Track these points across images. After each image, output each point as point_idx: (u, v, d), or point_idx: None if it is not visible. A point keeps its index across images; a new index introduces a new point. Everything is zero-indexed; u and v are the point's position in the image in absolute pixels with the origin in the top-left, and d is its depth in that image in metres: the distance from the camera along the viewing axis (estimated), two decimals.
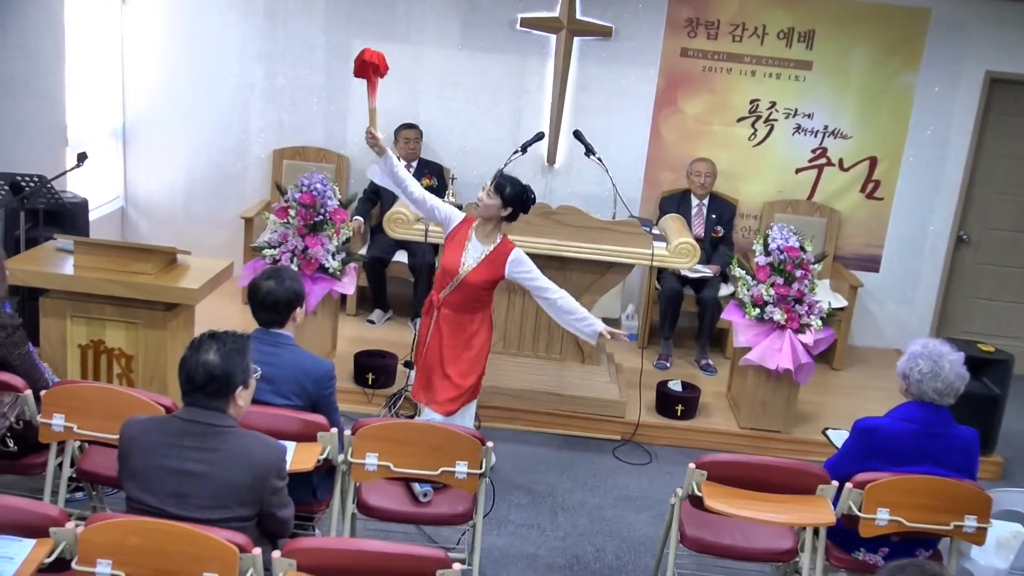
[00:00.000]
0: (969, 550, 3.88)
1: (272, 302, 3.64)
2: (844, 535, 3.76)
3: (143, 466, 2.86)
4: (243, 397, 2.96)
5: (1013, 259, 7.36)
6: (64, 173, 5.67)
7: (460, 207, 5.45)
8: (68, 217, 5.57)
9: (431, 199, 4.65)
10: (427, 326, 4.70)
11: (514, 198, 4.51)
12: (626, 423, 5.69)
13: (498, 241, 4.55)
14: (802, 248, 5.54)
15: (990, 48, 6.94)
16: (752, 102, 7.09)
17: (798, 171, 7.18)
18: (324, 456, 3.49)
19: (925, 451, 3.67)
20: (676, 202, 6.87)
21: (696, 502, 3.70)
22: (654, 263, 5.49)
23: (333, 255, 5.60)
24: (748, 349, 5.57)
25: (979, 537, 3.65)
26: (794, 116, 7.09)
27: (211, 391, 2.87)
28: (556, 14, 6.95)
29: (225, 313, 5.93)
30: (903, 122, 7.07)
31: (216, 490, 2.85)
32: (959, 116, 7.08)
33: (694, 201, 6.86)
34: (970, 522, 3.60)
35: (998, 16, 6.87)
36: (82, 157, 5.40)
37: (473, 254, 4.55)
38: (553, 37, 7.01)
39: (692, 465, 3.70)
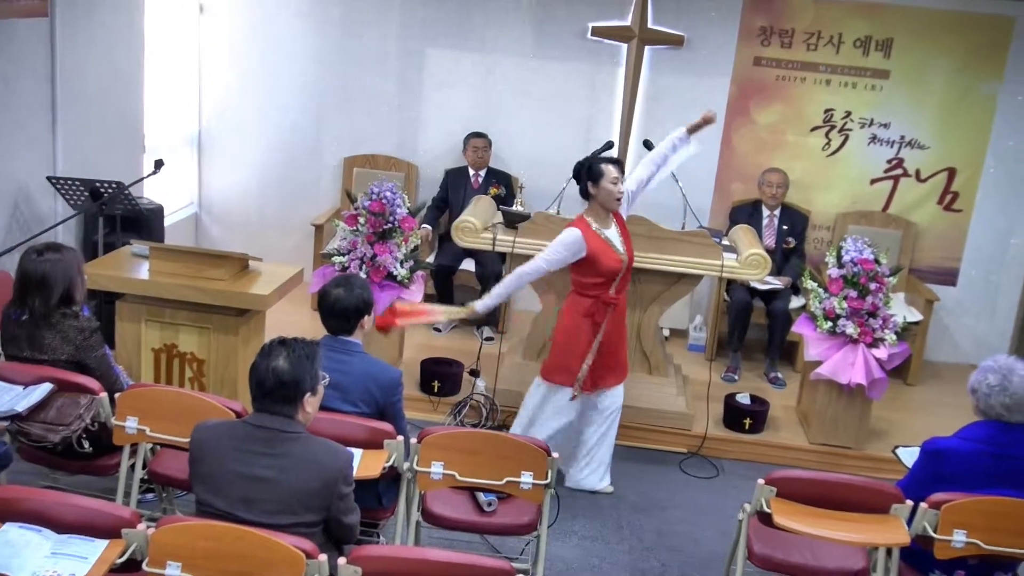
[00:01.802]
0: None
1: (341, 309, 3.67)
2: (918, 557, 3.66)
3: (213, 470, 2.90)
4: (311, 403, 2.99)
5: None
6: (141, 180, 5.80)
7: (528, 216, 5.47)
8: (144, 223, 5.70)
9: (542, 263, 4.67)
10: (599, 325, 4.72)
11: (576, 178, 4.66)
12: (693, 436, 5.62)
13: (611, 218, 4.68)
14: (877, 261, 5.42)
15: None
16: (827, 112, 6.98)
17: (873, 182, 7.04)
18: (390, 464, 3.51)
19: (997, 474, 3.56)
20: (747, 213, 6.78)
21: (765, 519, 3.63)
22: (723, 274, 5.42)
23: (401, 263, 5.63)
24: (819, 363, 5.47)
25: None
26: (870, 126, 6.96)
27: (280, 397, 2.90)
28: (628, 23, 6.91)
29: (295, 319, 5.99)
30: (984, 132, 6.89)
31: (284, 495, 2.88)
32: None
33: (765, 212, 6.76)
34: None
35: None
36: (159, 164, 5.52)
37: (617, 240, 4.67)
38: (624, 46, 6.98)
39: (761, 481, 3.63)
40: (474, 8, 7.04)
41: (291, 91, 7.27)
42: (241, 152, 7.41)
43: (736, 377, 6.50)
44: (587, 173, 4.60)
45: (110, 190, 5.27)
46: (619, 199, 4.62)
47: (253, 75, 7.27)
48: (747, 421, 5.67)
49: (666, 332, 7.00)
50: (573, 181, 4.78)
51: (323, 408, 3.37)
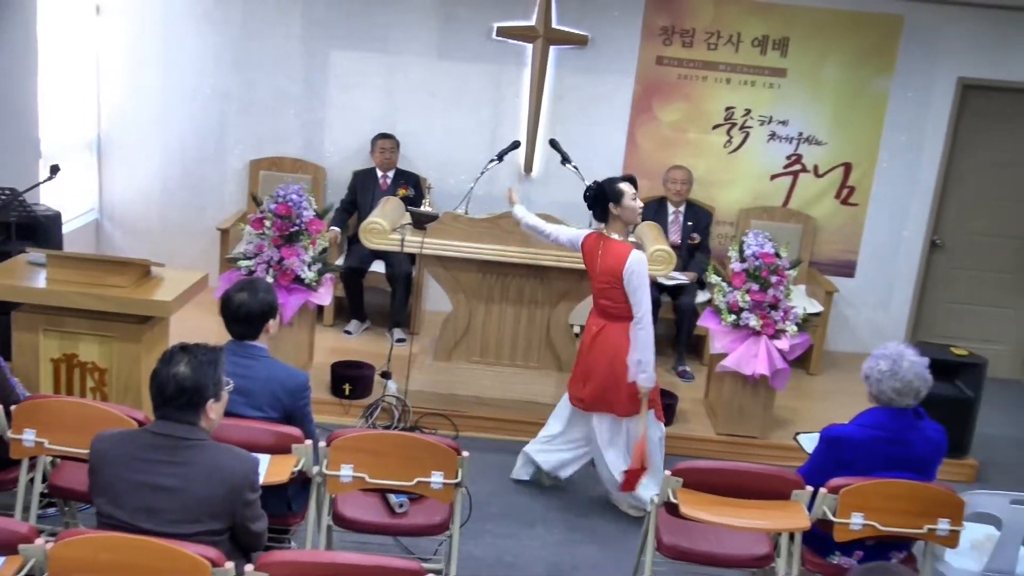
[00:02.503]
0: (943, 553, 3.90)
1: (245, 314, 3.63)
2: (819, 540, 3.77)
3: (114, 481, 2.84)
4: (215, 410, 2.95)
5: (987, 263, 7.42)
6: (36, 186, 5.63)
7: (436, 216, 5.48)
8: (41, 230, 5.52)
9: (563, 238, 4.96)
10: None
11: (592, 202, 4.76)
12: None
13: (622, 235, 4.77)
14: (777, 254, 5.56)
15: (962, 54, 7.00)
16: (727, 109, 7.13)
17: (773, 178, 7.22)
18: (299, 468, 3.48)
19: (893, 457, 3.69)
20: (653, 210, 6.89)
21: (672, 509, 3.70)
22: None
23: (309, 266, 5.58)
24: (725, 355, 5.59)
25: (952, 540, 3.66)
26: (769, 123, 7.14)
27: (182, 404, 2.86)
28: (532, 23, 6.97)
29: (202, 325, 5.87)
30: (877, 128, 7.12)
31: (188, 504, 2.84)
32: (932, 122, 7.14)
33: (670, 208, 6.88)
34: (943, 525, 3.62)
35: (970, 23, 6.94)
36: (54, 169, 5.37)
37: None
38: (529, 46, 7.03)
39: (667, 472, 3.71)
40: (377, 9, 7.01)
41: (193, 93, 7.15)
42: (143, 156, 7.25)
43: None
44: (609, 194, 4.68)
45: (3, 196, 5.12)
46: (640, 213, 4.75)
47: (153, 78, 7.12)
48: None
49: (576, 329, 7.07)
50: (585, 204, 4.82)
51: (228, 414, 3.32)
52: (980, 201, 7.35)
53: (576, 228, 5.02)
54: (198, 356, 2.90)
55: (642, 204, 4.77)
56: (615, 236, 4.70)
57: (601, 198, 4.70)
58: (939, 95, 7.09)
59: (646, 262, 4.69)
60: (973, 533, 4.00)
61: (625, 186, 4.68)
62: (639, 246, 4.84)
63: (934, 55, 7.00)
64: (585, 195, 4.78)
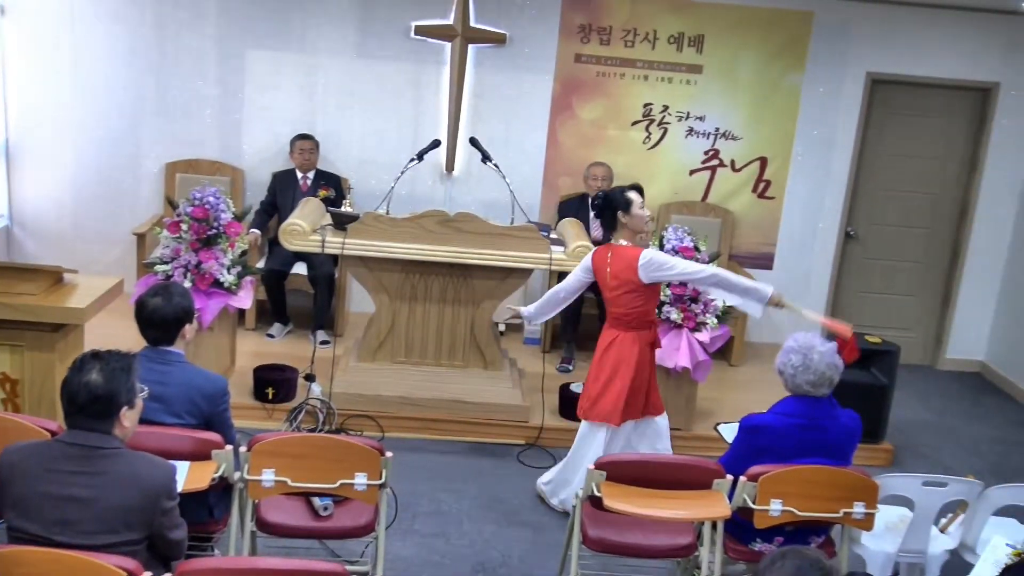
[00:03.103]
0: (860, 536, 4.00)
1: (160, 319, 3.56)
2: (740, 527, 3.84)
3: (24, 493, 2.77)
4: (129, 418, 2.89)
5: (898, 253, 7.63)
6: None
7: (357, 217, 5.44)
8: None
9: (575, 281, 4.96)
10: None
11: (600, 212, 4.80)
12: (530, 427, 5.72)
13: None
14: (696, 248, 5.64)
15: (870, 49, 7.19)
16: (646, 106, 7.22)
17: (692, 173, 7.33)
18: (219, 474, 3.43)
19: (809, 443, 3.78)
20: (575, 206, 6.94)
21: (596, 503, 3.74)
22: (552, 267, 5.55)
23: (228, 269, 5.51)
24: None
25: (868, 523, 3.76)
26: (686, 119, 7.24)
27: (94, 412, 2.80)
28: (450, 22, 6.96)
29: (118, 333, 5.70)
30: (791, 123, 7.28)
31: (103, 515, 2.78)
32: (844, 116, 7.32)
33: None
34: (859, 508, 3.71)
35: (877, 19, 7.13)
36: None
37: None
38: (448, 45, 7.02)
39: (591, 466, 3.74)
40: (295, 8, 6.94)
41: (106, 96, 6.99)
42: (54, 161, 7.06)
43: (571, 367, 6.66)
44: (618, 202, 4.71)
45: None
46: (648, 221, 4.79)
47: (63, 80, 6.95)
48: None
49: (502, 327, 7.09)
50: (597, 212, 4.84)
51: (144, 421, 3.26)
52: (890, 193, 7.55)
53: (579, 265, 5.02)
54: (110, 363, 2.84)
55: (650, 213, 4.82)
56: (623, 243, 4.74)
57: (610, 207, 4.74)
58: (849, 90, 7.27)
59: (585, 259, 4.82)
60: (888, 515, 4.12)
61: (633, 195, 4.73)
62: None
63: (844, 51, 7.18)
64: (593, 204, 4.85)
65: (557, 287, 5.07)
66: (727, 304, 5.12)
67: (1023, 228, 7.40)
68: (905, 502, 4.10)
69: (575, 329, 6.73)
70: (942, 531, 4.16)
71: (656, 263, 4.60)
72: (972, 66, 7.24)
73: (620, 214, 4.71)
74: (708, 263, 5.65)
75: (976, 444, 6.38)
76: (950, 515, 4.17)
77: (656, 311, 5.02)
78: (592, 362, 4.92)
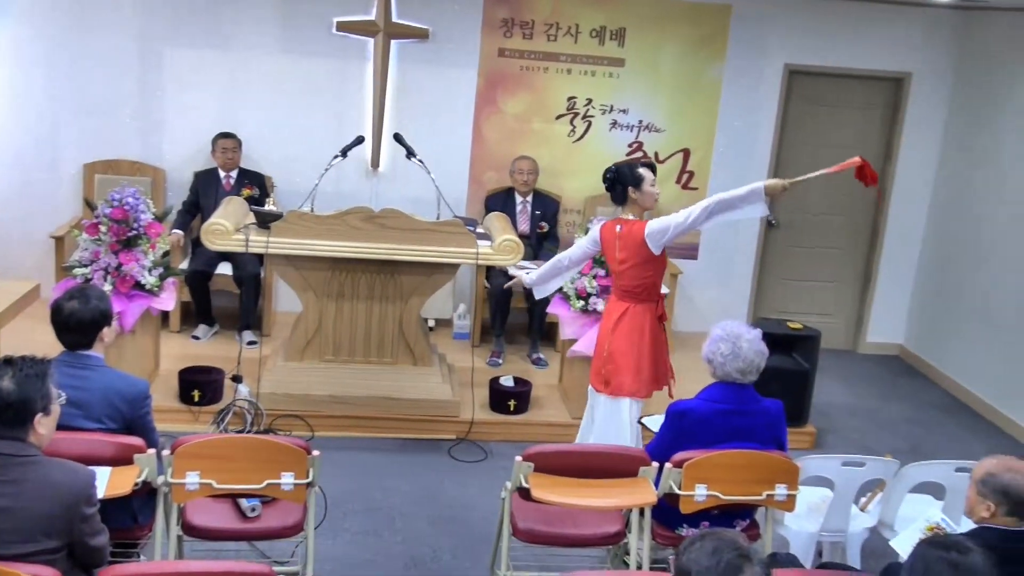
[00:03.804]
0: (783, 517, 4.10)
1: (76, 323, 3.49)
2: (667, 513, 3.90)
3: None
4: (45, 424, 2.84)
5: (818, 240, 7.81)
6: None
7: (281, 215, 5.39)
8: None
9: (580, 252, 4.96)
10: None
11: (611, 185, 4.76)
12: (461, 422, 5.73)
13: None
14: None
15: (788, 41, 7.34)
16: (569, 99, 7.27)
17: (656, 168, 7.36)
18: (142, 479, 3.39)
19: (734, 428, 3.85)
20: (501, 200, 6.97)
21: (525, 494, 3.77)
22: (479, 262, 5.56)
23: (150, 271, 5.42)
24: (575, 341, 5.71)
25: (790, 504, 3.85)
26: (610, 112, 7.31)
27: (7, 420, 2.74)
28: (372, 18, 6.93)
29: (37, 338, 5.60)
30: (712, 114, 7.39)
31: (21, 523, 2.72)
32: (764, 107, 7.46)
33: (518, 199, 6.97)
34: (781, 490, 3.79)
35: (793, 11, 7.28)
36: None
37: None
38: (371, 40, 6.99)
39: (519, 458, 3.77)
40: (215, 6, 6.84)
41: (20, 96, 6.81)
42: None
43: (500, 361, 6.68)
44: (629, 178, 4.69)
45: None
46: (657, 199, 4.79)
47: None
48: (512, 403, 5.85)
49: (431, 323, 7.10)
50: (606, 186, 4.80)
51: (63, 427, 3.20)
52: (809, 182, 7.67)
53: (584, 236, 5.07)
54: (24, 369, 2.78)
55: (660, 191, 4.83)
56: (630, 217, 4.73)
57: (621, 182, 4.73)
58: (768, 81, 7.41)
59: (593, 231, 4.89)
60: (809, 496, 4.22)
61: (646, 172, 4.73)
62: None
63: (762, 43, 7.31)
64: (605, 177, 4.80)
65: (560, 255, 5.06)
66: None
67: (937, 215, 7.62)
68: (826, 483, 4.20)
69: (504, 323, 6.76)
70: (862, 510, 4.27)
71: (659, 229, 4.60)
72: (886, 57, 7.43)
73: (631, 190, 4.71)
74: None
75: (895, 424, 6.56)
76: (869, 494, 4.29)
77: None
78: (601, 336, 4.85)
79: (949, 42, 7.43)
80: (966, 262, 7.18)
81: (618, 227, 4.73)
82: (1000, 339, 6.72)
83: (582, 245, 4.98)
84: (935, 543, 2.54)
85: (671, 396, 4.81)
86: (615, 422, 4.80)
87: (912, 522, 3.71)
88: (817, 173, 4.49)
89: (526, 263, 6.32)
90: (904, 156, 7.62)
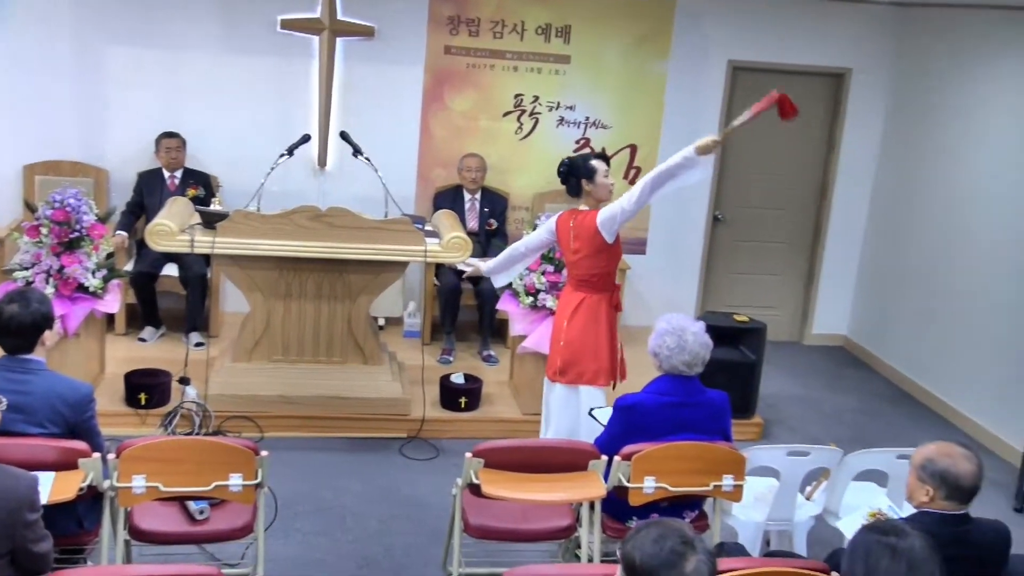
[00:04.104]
0: (731, 507, 4.16)
1: (17, 326, 3.44)
2: (617, 506, 3.94)
3: None
4: None
5: (763, 235, 7.91)
6: None
7: (227, 215, 5.35)
8: None
9: (537, 240, 5.00)
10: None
11: (564, 177, 4.79)
12: (412, 420, 5.73)
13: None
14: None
15: (731, 38, 7.42)
16: (516, 97, 7.29)
17: (609, 160, 7.39)
18: (87, 483, 3.35)
19: (681, 420, 3.90)
20: (450, 198, 6.97)
21: (475, 490, 3.78)
22: (428, 259, 5.56)
23: (93, 273, 5.35)
24: (525, 337, 5.73)
25: (737, 494, 3.90)
26: (557, 109, 7.34)
27: None
28: (317, 15, 6.88)
29: None
30: (658, 110, 7.45)
31: None
32: (708, 103, 7.53)
33: (467, 196, 6.98)
34: (728, 481, 3.85)
35: (736, 8, 7.36)
36: None
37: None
38: (316, 38, 6.94)
39: (469, 454, 3.78)
40: (154, 4, 6.75)
41: None
42: None
43: (451, 358, 6.69)
44: (582, 171, 4.71)
45: None
46: (612, 190, 4.79)
47: None
48: (463, 400, 5.86)
49: (381, 321, 7.09)
50: (560, 180, 4.83)
51: (5, 433, 3.16)
52: (753, 177, 7.81)
53: (541, 226, 5.07)
54: None
55: (613, 182, 4.84)
56: (584, 208, 4.76)
57: (575, 174, 4.75)
58: (712, 77, 7.49)
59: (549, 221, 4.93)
60: (756, 486, 4.28)
61: (599, 163, 4.75)
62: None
63: (705, 39, 7.39)
64: (559, 170, 4.82)
65: (517, 243, 5.10)
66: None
67: (877, 207, 7.76)
68: (772, 473, 4.27)
69: (454, 321, 6.76)
70: (807, 498, 4.35)
71: (609, 216, 4.64)
72: (826, 53, 7.54)
73: (585, 182, 4.74)
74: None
75: (840, 414, 6.68)
76: (814, 483, 4.37)
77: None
78: (556, 326, 4.88)
79: (887, 38, 7.57)
80: (907, 254, 7.33)
81: (573, 219, 4.77)
82: (940, 329, 6.87)
83: (539, 234, 5.02)
84: (874, 528, 2.60)
85: (613, 388, 4.87)
86: (574, 412, 4.84)
87: (856, 509, 3.79)
88: (743, 118, 4.53)
89: (474, 260, 6.35)
90: (846, 151, 7.75)
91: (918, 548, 2.47)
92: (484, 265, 5.22)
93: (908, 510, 3.29)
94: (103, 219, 5.56)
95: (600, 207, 4.77)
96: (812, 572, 3.02)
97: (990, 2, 6.37)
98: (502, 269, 5.17)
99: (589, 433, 4.73)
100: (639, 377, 4.40)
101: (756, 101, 4.40)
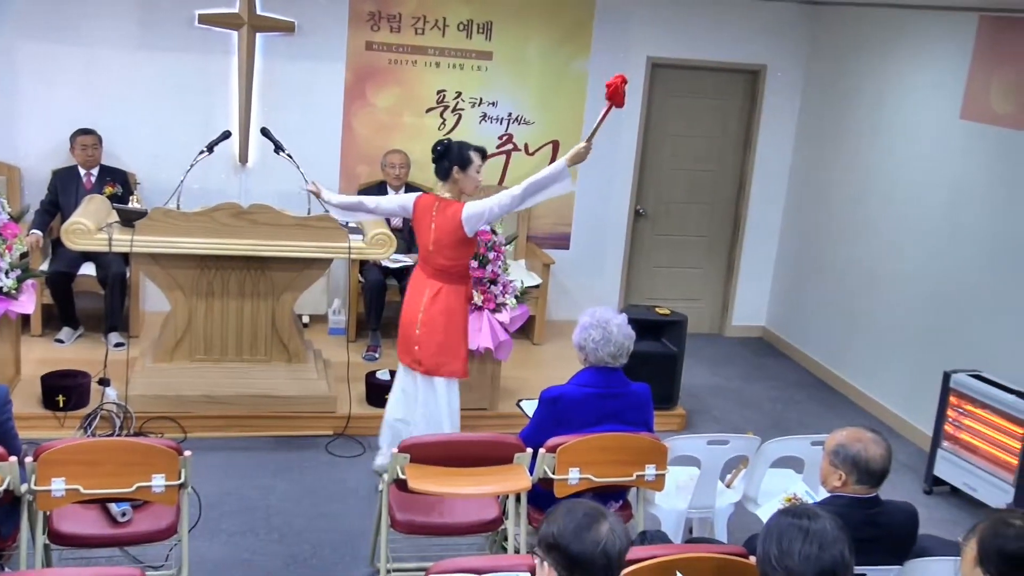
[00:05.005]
0: (654, 497, 4.24)
1: None
2: (543, 498, 3.98)
3: None
4: None
5: (684, 229, 8.06)
6: None
7: (145, 212, 5.27)
8: None
9: (388, 206, 5.06)
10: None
11: (439, 157, 4.79)
12: (338, 417, 5.72)
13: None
14: (493, 231, 5.78)
15: (649, 35, 7.53)
16: (439, 92, 7.30)
17: (487, 157, 7.44)
18: (4, 487, 3.28)
19: (606, 411, 3.98)
20: (374, 194, 6.93)
21: (402, 485, 3.80)
22: (352, 256, 5.56)
23: (7, 273, 5.22)
24: None
25: (659, 484, 3.99)
26: (480, 105, 7.38)
27: None
28: (236, 10, 6.81)
29: None
30: (580, 106, 7.53)
31: None
32: (629, 98, 7.53)
33: (391, 192, 6.96)
34: (650, 471, 3.93)
35: (654, 5, 7.48)
36: None
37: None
38: (235, 33, 6.87)
39: (394, 449, 3.80)
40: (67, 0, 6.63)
41: None
42: None
43: (377, 355, 6.68)
44: (457, 157, 4.70)
45: None
46: (478, 186, 4.79)
47: None
48: (387, 397, 5.85)
49: (306, 319, 7.04)
50: (434, 160, 4.83)
51: None
52: (673, 171, 7.95)
53: (400, 195, 5.07)
54: None
55: (482, 178, 4.85)
56: (447, 195, 4.75)
57: (448, 158, 4.73)
58: (632, 73, 7.54)
59: (411, 196, 4.92)
60: (678, 475, 4.38)
61: (476, 156, 4.75)
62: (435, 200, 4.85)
63: (625, 37, 7.49)
64: (434, 148, 4.80)
65: (370, 198, 5.10)
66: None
67: (793, 201, 7.96)
68: (693, 462, 4.36)
69: (379, 317, 6.76)
70: (728, 486, 4.46)
71: (476, 214, 4.68)
72: (742, 49, 7.71)
73: (456, 169, 4.74)
74: (508, 243, 5.82)
75: (759, 403, 6.85)
76: (734, 471, 4.48)
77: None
78: (410, 313, 4.87)
79: (801, 36, 7.76)
80: (821, 246, 7.54)
81: (436, 204, 4.77)
82: (853, 319, 7.09)
83: (392, 203, 5.05)
84: (787, 512, 2.69)
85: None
86: (438, 403, 4.92)
87: (774, 495, 3.90)
88: (600, 120, 4.85)
89: (400, 256, 6.36)
90: (762, 145, 7.93)
91: (829, 529, 2.57)
92: (326, 193, 5.17)
93: (824, 495, 3.41)
94: (16, 218, 5.44)
95: (463, 199, 4.80)
96: (731, 556, 3.11)
97: (897, 1, 6.58)
98: (344, 208, 5.13)
99: (453, 426, 4.94)
100: (561, 371, 4.46)
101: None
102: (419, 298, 4.84)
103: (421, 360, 4.87)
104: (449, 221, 4.70)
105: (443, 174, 4.80)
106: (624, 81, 4.66)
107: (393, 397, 5.11)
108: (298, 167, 5.72)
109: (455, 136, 7.33)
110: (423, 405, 4.94)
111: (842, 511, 2.96)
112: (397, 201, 5.02)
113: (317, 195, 5.17)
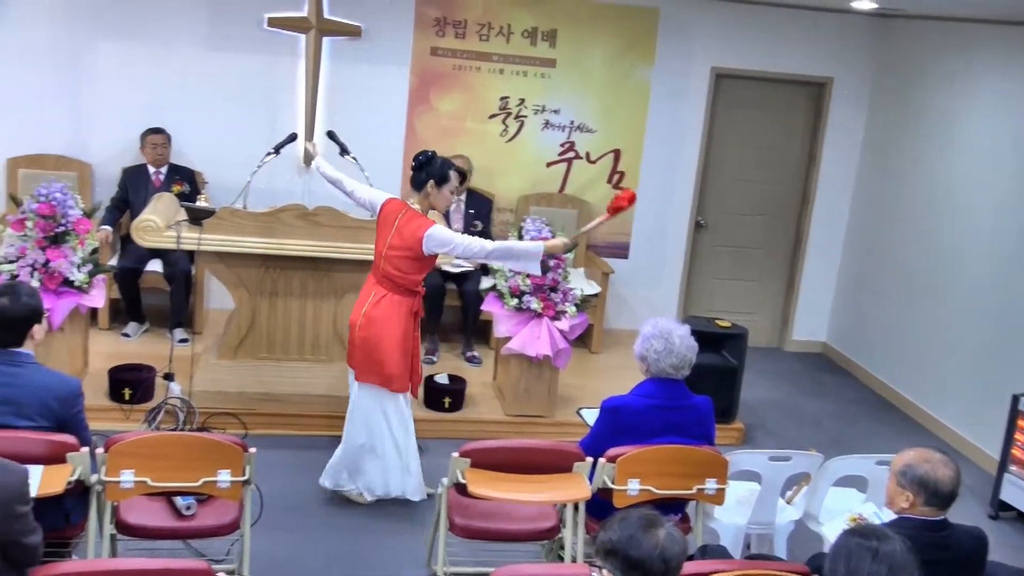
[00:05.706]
0: (713, 511, 4.20)
1: (7, 320, 3.44)
2: (601, 508, 3.95)
3: None
4: None
5: (744, 240, 7.99)
6: None
7: (213, 211, 5.35)
8: None
9: (361, 196, 4.95)
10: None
11: (418, 167, 4.73)
12: None
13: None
14: (553, 233, 5.77)
15: (714, 45, 7.49)
16: (502, 99, 7.33)
17: (549, 165, 7.48)
18: (75, 477, 3.35)
19: (667, 423, 3.95)
20: None
21: (461, 489, 3.81)
22: None
23: (78, 267, 5.34)
24: (509, 338, 5.76)
25: (719, 498, 3.96)
26: (542, 112, 7.39)
27: None
28: (304, 14, 6.90)
29: None
30: (642, 116, 7.51)
31: None
32: (691, 109, 7.60)
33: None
34: (711, 484, 3.90)
35: (719, 16, 7.43)
36: None
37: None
38: (303, 37, 6.96)
39: (455, 454, 3.81)
40: (141, 0, 6.75)
41: None
42: None
43: (435, 359, 6.71)
44: (437, 172, 4.66)
45: None
46: (448, 205, 4.81)
47: None
48: (447, 400, 5.88)
49: None
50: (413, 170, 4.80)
51: None
52: (735, 182, 7.89)
53: (374, 191, 4.96)
54: None
55: (454, 200, 4.82)
56: (417, 207, 4.71)
57: (427, 171, 4.68)
58: (695, 84, 7.55)
59: (383, 196, 4.83)
60: (738, 490, 4.34)
61: (454, 176, 4.72)
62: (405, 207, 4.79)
63: (689, 46, 7.45)
64: (416, 157, 4.75)
65: (349, 180, 5.04)
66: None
67: (858, 215, 7.85)
68: (754, 477, 4.32)
69: (438, 321, 6.79)
70: (788, 502, 4.41)
71: (437, 240, 4.58)
72: (808, 62, 7.63)
73: (431, 183, 4.68)
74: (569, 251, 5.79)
75: (819, 419, 6.76)
76: (795, 487, 4.43)
77: (423, 282, 4.89)
78: (354, 312, 4.82)
79: (868, 48, 7.66)
80: (886, 262, 7.42)
81: (403, 212, 4.69)
82: (918, 337, 6.96)
83: (368, 193, 4.93)
84: (856, 532, 2.65)
85: (414, 396, 5.01)
86: (378, 413, 4.84)
87: (837, 514, 3.84)
88: (595, 223, 4.88)
89: (460, 260, 6.37)
90: (827, 158, 7.84)
91: (899, 551, 2.53)
92: (320, 159, 5.24)
93: (891, 516, 3.35)
94: (88, 214, 5.55)
95: (431, 215, 4.76)
96: (794, 574, 3.07)
97: (969, 15, 6.47)
98: (328, 180, 5.13)
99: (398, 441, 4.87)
100: (624, 381, 4.44)
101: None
102: (363, 302, 4.79)
103: (355, 365, 4.82)
104: (411, 234, 4.60)
105: (418, 185, 4.73)
106: (632, 200, 4.67)
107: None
108: (363, 170, 5.77)
109: (517, 142, 7.37)
110: (357, 411, 4.87)
111: (910, 533, 2.90)
112: (369, 195, 4.91)
113: (313, 156, 5.28)
